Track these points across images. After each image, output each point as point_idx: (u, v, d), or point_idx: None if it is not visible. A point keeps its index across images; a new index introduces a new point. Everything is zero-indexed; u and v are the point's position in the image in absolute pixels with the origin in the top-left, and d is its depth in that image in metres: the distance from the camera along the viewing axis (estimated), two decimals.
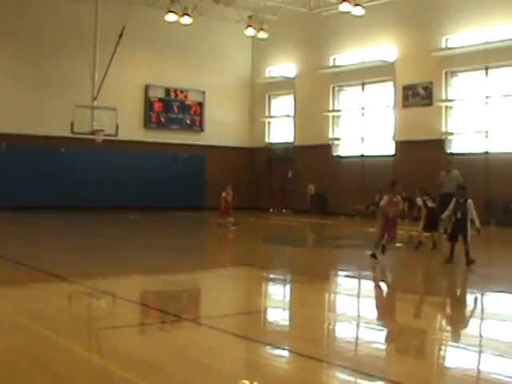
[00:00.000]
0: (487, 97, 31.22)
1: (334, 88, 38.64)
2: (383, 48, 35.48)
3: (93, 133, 34.28)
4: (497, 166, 29.79)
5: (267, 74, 43.29)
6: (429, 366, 7.79)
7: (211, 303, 11.45)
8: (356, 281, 14.81)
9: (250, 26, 37.29)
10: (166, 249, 19.32)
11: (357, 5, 31.82)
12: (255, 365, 7.46)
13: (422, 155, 32.14)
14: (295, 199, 39.49)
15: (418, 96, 33.60)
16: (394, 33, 34.63)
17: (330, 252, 20.49)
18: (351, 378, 7.03)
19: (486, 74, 31.29)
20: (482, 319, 10.75)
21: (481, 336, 9.45)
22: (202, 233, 28.94)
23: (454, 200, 15.91)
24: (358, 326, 9.83)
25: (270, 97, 43.29)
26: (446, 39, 32.86)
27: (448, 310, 11.56)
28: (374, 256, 15.89)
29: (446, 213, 16.05)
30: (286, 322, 10.35)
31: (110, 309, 10.87)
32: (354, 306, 11.87)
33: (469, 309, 11.60)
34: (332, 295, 12.98)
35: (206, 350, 7.86)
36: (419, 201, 19.65)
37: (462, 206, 15.61)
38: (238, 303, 11.80)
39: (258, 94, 43.33)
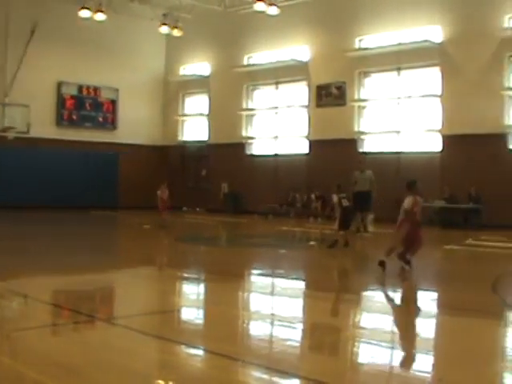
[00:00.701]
0: (399, 97, 31.81)
1: (248, 87, 38.75)
2: (298, 48, 35.75)
3: (4, 130, 33.47)
4: (408, 165, 30.35)
5: (181, 72, 43.12)
6: (343, 362, 7.86)
7: (125, 303, 11.31)
8: (270, 279, 14.84)
9: (164, 23, 37.08)
10: (79, 248, 19.02)
11: (271, 4, 31.96)
12: (170, 364, 7.38)
13: (335, 154, 32.53)
14: (209, 198, 39.42)
15: (331, 96, 33.98)
16: (308, 33, 34.93)
17: (243, 251, 20.50)
18: (266, 376, 7.02)
19: (398, 74, 31.88)
20: (394, 315, 10.92)
21: (393, 332, 9.61)
22: (115, 232, 28.59)
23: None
24: (272, 323, 9.84)
25: (184, 95, 43.12)
26: (360, 40, 33.34)
27: (361, 306, 11.70)
28: (382, 264, 14.15)
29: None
30: (201, 321, 10.31)
31: (22, 310, 10.60)
32: (268, 304, 11.89)
33: (381, 305, 11.75)
34: (246, 294, 12.98)
35: (121, 350, 7.74)
36: (335, 198, 19.71)
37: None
38: (152, 303, 11.68)
39: (172, 92, 43.10)
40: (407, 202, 14.63)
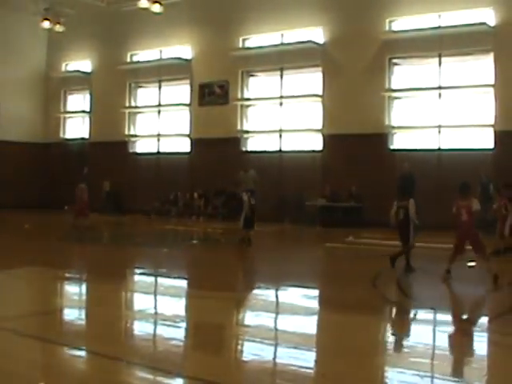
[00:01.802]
0: (282, 97, 32.16)
1: (131, 85, 38.33)
2: (181, 46, 35.59)
3: None
4: (290, 164, 30.74)
5: (63, 69, 42.20)
6: (226, 360, 7.88)
7: (4, 304, 10.98)
8: (152, 278, 14.74)
9: (46, 18, 36.20)
10: None
11: (155, 2, 31.71)
12: (52, 366, 7.22)
13: (218, 153, 32.57)
14: (90, 196, 38.66)
15: (214, 95, 34.02)
16: (192, 31, 34.82)
17: (126, 250, 20.27)
18: (150, 376, 6.97)
19: (281, 75, 32.23)
20: (276, 313, 11.02)
21: (276, 329, 9.70)
22: None
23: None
24: (155, 323, 9.77)
25: (66, 92, 42.23)
26: (244, 39, 33.51)
27: (244, 304, 11.76)
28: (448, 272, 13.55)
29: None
30: (83, 322, 10.13)
31: None
32: (151, 303, 11.80)
33: (265, 303, 11.85)
34: (129, 293, 12.85)
35: (1, 353, 7.52)
36: (245, 196, 19.69)
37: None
38: (32, 304, 11.38)
39: (54, 88, 42.09)
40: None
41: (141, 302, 11.97)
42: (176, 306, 11.47)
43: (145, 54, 37.76)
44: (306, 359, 7.83)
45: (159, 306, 11.57)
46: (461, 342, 9.01)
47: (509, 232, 17.35)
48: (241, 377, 7.13)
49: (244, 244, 19.34)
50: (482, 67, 27.42)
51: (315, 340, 9.16)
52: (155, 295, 12.67)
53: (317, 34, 30.83)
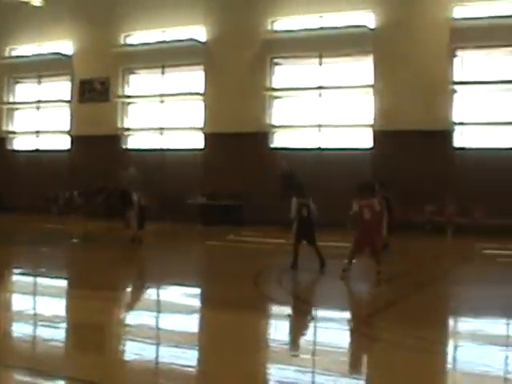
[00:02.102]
0: (163, 95, 31.98)
1: (9, 80, 37.23)
2: (62, 41, 34.82)
3: None
4: (172, 162, 30.62)
5: None
6: (107, 360, 7.79)
7: None
8: (31, 278, 14.41)
9: None
10: None
11: None
12: None
13: (99, 151, 32.07)
14: None
15: (94, 91, 33.51)
16: (73, 26, 34.09)
17: (3, 249, 19.69)
18: (29, 379, 6.81)
19: (163, 72, 32.06)
20: (158, 312, 10.99)
21: (158, 328, 9.68)
22: None
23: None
24: (34, 324, 9.55)
25: None
26: (126, 36, 33.12)
27: (125, 304, 11.66)
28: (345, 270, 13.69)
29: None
30: None
31: None
32: (30, 304, 11.53)
33: (146, 302, 11.79)
34: (6, 294, 12.52)
35: None
36: (135, 196, 19.37)
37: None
38: None
39: None
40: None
41: (19, 302, 11.68)
42: (56, 307, 11.25)
43: (24, 49, 36.72)
44: (187, 358, 7.84)
45: (38, 306, 11.33)
46: (341, 337, 9.22)
47: (387, 231, 17.88)
48: (122, 377, 7.07)
49: (135, 243, 19.07)
50: (362, 68, 28.12)
51: (197, 338, 9.18)
52: (34, 296, 12.38)
53: (199, 32, 30.81)
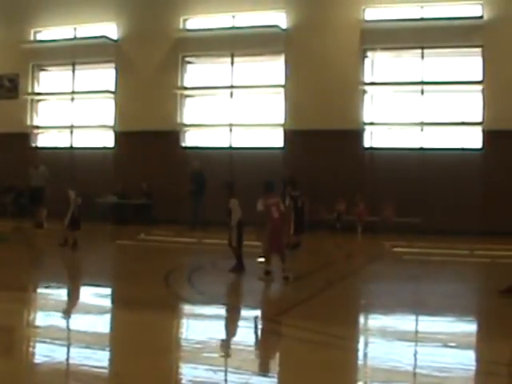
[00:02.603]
0: (74, 92, 31.46)
1: None
2: None
3: None
4: (82, 161, 30.12)
5: None
6: (16, 363, 7.63)
7: None
8: None
9: None
10: None
11: None
12: None
13: (8, 149, 31.29)
14: None
15: (3, 88, 32.74)
16: None
17: None
18: None
19: (74, 70, 31.52)
20: (68, 312, 10.82)
21: (68, 329, 9.53)
22: None
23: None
24: None
25: None
26: (36, 32, 32.44)
27: (34, 305, 11.44)
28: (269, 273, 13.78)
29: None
30: None
31: None
32: None
33: (56, 303, 11.59)
34: None
35: None
36: (72, 194, 18.79)
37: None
38: None
39: None
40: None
41: None
42: None
43: None
44: (99, 359, 7.74)
45: None
46: (252, 336, 9.27)
47: (294, 230, 18.11)
48: (32, 379, 6.93)
49: (66, 245, 18.42)
50: (274, 68, 28.32)
51: (108, 339, 9.08)
52: None
53: (111, 29, 30.43)
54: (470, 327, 10.42)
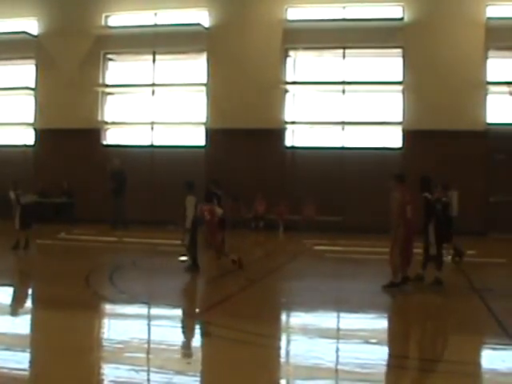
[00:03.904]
0: None
1: None
2: None
3: None
4: (1, 158, 29.47)
5: None
6: None
7: None
8: None
9: None
10: None
11: None
12: None
13: None
14: None
15: None
16: None
17: None
18: None
19: None
20: None
21: None
22: None
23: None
24: None
25: None
26: None
27: None
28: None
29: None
30: None
31: None
32: None
33: None
34: None
35: None
36: (12, 195, 18.18)
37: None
38: None
39: None
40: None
41: None
42: None
43: None
44: (19, 361, 7.58)
45: None
46: (175, 335, 9.22)
47: None
48: None
49: (19, 247, 17.89)
50: (196, 66, 28.25)
51: (28, 340, 8.90)
52: None
53: (32, 25, 29.77)
54: (390, 324, 10.58)
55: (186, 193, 14.78)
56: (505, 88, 23.42)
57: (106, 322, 10.32)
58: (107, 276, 13.81)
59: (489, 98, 25.92)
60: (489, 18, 25.63)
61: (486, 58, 25.84)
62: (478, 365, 7.94)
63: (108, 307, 11.39)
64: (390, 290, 12.38)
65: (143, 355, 8.01)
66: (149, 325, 10.11)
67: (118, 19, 29.27)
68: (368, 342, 8.73)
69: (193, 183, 15.15)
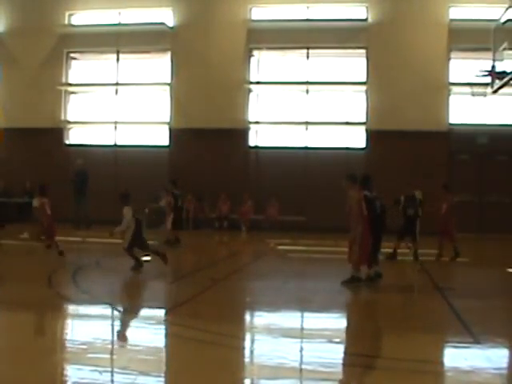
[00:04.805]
0: None
1: None
2: None
3: None
4: None
5: None
6: None
7: None
8: None
9: None
10: None
11: None
12: None
13: None
14: None
15: None
16: None
17: None
18: None
19: None
20: None
21: None
22: None
23: None
24: None
25: None
26: None
27: None
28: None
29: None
30: None
31: None
32: None
33: None
34: None
35: None
36: None
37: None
38: None
39: None
40: None
41: None
42: None
43: None
44: None
45: None
46: (139, 335, 9.17)
47: (171, 226, 19.03)
48: None
49: None
50: (160, 65, 28.16)
51: None
52: None
53: None
54: (353, 322, 10.63)
55: (123, 203, 15.04)
56: (467, 89, 23.62)
57: (68, 322, 10.24)
58: (70, 276, 13.70)
59: (451, 98, 26.21)
60: (452, 20, 25.92)
61: (449, 58, 26.14)
62: (441, 363, 8.01)
63: (71, 308, 11.30)
64: (350, 285, 12.49)
65: (107, 356, 7.96)
66: (112, 325, 10.05)
67: (82, 18, 29.09)
68: (331, 341, 8.78)
69: (128, 194, 15.29)
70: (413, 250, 17.20)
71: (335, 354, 8.12)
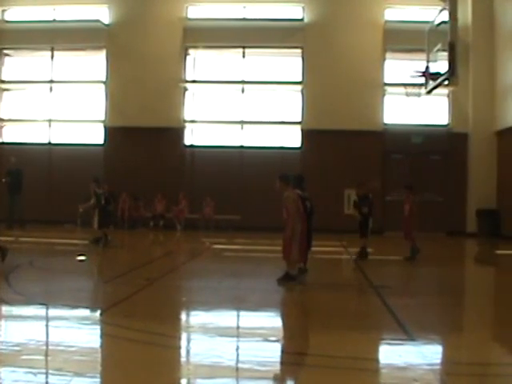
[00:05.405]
0: None
1: None
2: None
3: None
4: None
5: None
6: None
7: None
8: None
9: None
10: None
11: None
12: None
13: None
14: None
15: None
16: None
17: None
18: None
19: None
20: None
21: None
22: None
23: None
24: None
25: None
26: None
27: None
28: None
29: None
30: None
31: None
32: None
33: None
34: None
35: None
36: None
37: None
38: None
39: None
40: None
41: None
42: None
43: None
44: None
45: None
46: (73, 335, 9.07)
47: (97, 224, 19.02)
48: None
49: None
50: (96, 63, 27.92)
51: None
52: None
53: None
54: (289, 321, 10.69)
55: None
56: (402, 89, 23.99)
57: (1, 324, 10.07)
58: (3, 277, 13.47)
59: (386, 98, 26.58)
60: (387, 21, 26.29)
61: (384, 59, 26.51)
62: (376, 360, 8.11)
63: (4, 309, 11.10)
64: (285, 283, 12.55)
65: (41, 357, 7.85)
66: (46, 326, 9.91)
67: (16, 13, 28.68)
68: (267, 340, 8.81)
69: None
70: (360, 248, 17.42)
71: (271, 352, 8.16)
